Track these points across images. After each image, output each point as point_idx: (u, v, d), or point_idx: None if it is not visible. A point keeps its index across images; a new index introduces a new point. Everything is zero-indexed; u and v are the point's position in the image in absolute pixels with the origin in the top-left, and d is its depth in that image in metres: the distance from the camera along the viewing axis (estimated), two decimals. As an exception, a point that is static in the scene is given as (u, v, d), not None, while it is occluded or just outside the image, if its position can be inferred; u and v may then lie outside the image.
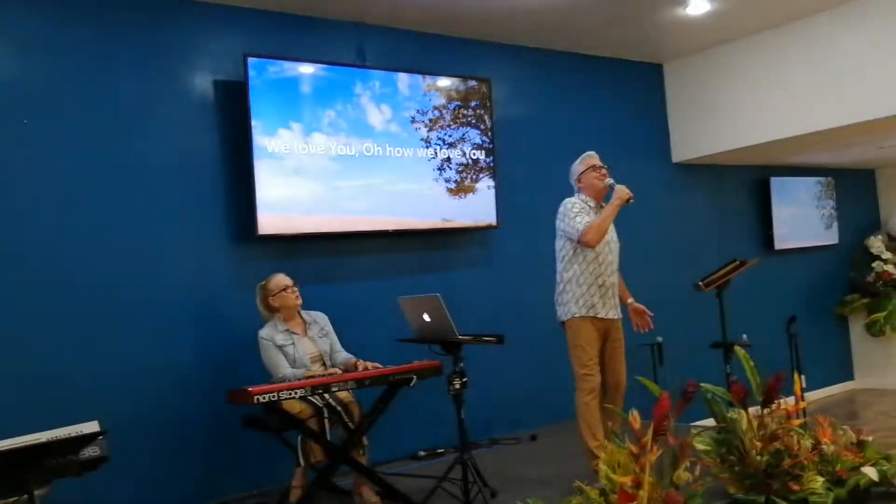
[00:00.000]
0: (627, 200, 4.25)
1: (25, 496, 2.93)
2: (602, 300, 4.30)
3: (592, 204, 4.38)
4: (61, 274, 4.23)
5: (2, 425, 3.18)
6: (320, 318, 4.50)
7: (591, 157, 4.45)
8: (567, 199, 4.40)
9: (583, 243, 4.24)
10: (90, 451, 3.20)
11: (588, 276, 4.29)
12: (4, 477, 2.95)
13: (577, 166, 4.48)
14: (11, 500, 3.09)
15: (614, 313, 4.38)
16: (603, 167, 4.42)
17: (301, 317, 4.42)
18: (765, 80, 6.42)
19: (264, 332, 4.28)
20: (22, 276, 4.12)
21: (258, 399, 3.69)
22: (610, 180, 4.36)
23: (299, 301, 4.38)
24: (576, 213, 4.28)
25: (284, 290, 4.33)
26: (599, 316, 4.29)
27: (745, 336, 4.98)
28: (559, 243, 4.40)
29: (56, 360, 4.15)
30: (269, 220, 4.75)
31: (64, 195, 4.28)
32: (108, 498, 4.10)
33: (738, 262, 4.95)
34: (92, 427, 3.21)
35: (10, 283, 4.08)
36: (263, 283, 4.41)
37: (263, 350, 4.24)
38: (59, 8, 4.37)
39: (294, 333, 4.32)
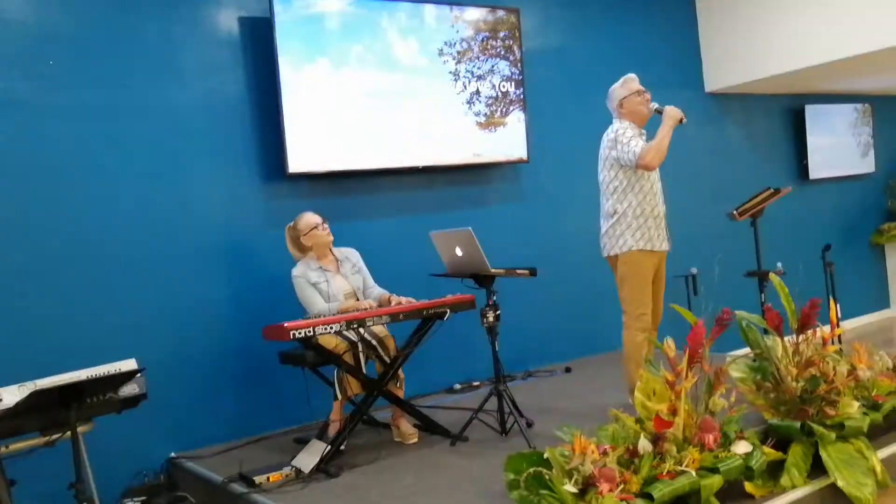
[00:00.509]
0: (680, 121, 4.09)
1: (69, 432, 3.02)
2: (657, 231, 4.19)
3: (638, 131, 4.20)
4: (93, 215, 4.26)
5: (42, 365, 3.26)
6: (352, 255, 4.51)
7: (634, 81, 4.26)
8: (615, 126, 4.20)
9: (642, 167, 4.05)
10: (129, 389, 3.29)
11: (645, 207, 4.15)
12: (49, 414, 3.04)
13: (619, 90, 4.26)
14: (56, 436, 3.19)
15: (667, 245, 4.27)
16: (645, 91, 4.24)
17: (333, 254, 4.44)
18: (799, 6, 6.22)
19: (297, 271, 4.30)
20: (54, 218, 4.16)
21: (294, 334, 3.72)
22: (655, 104, 4.19)
23: (331, 238, 4.38)
24: (629, 138, 4.08)
25: (315, 228, 4.33)
26: (656, 249, 4.18)
27: (779, 264, 4.94)
28: (609, 174, 4.20)
29: (91, 300, 4.22)
30: (299, 158, 4.74)
31: (92, 137, 4.29)
32: (147, 435, 4.22)
33: (771, 191, 4.88)
34: (130, 365, 3.28)
35: (41, 224, 4.12)
36: (292, 223, 4.40)
37: (298, 288, 4.27)
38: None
39: (327, 271, 4.34)
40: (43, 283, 4.10)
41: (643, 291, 4.17)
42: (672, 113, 4.10)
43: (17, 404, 2.90)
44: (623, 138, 4.09)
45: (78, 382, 2.99)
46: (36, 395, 2.86)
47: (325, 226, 4.36)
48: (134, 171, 4.39)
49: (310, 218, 4.36)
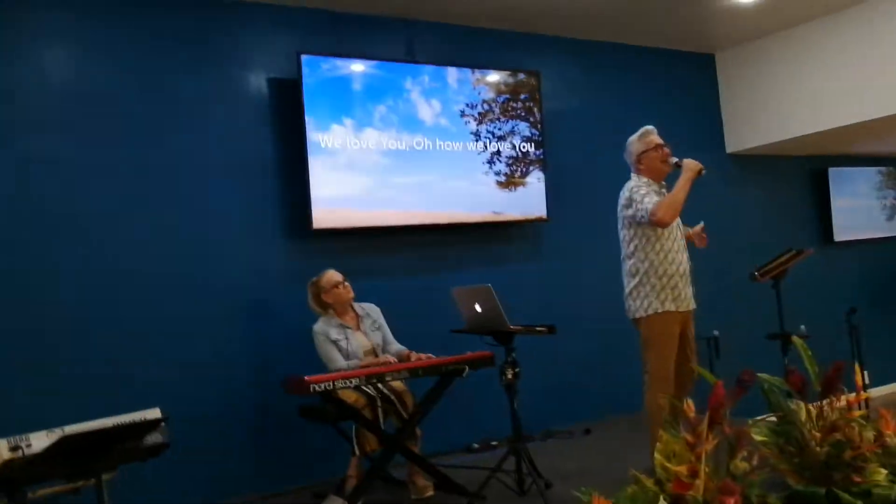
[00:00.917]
0: (699, 172, 3.95)
1: (94, 480, 3.03)
2: (684, 290, 4.04)
3: (655, 187, 4.06)
4: (122, 268, 4.36)
5: (66, 412, 3.28)
6: (373, 311, 4.53)
7: (651, 134, 4.11)
8: (629, 184, 4.07)
9: (655, 223, 3.89)
10: (153, 438, 3.29)
11: (668, 266, 3.99)
12: (74, 461, 3.06)
13: (636, 144, 4.11)
14: (80, 483, 3.20)
15: (691, 304, 4.10)
16: (665, 145, 4.09)
17: (354, 310, 4.47)
18: (821, 67, 6.28)
19: (318, 327, 4.33)
20: (84, 270, 4.27)
21: (314, 388, 3.75)
22: (674, 159, 4.05)
23: (351, 295, 4.42)
24: (643, 195, 3.95)
25: (336, 286, 4.38)
26: (681, 308, 4.02)
27: (803, 327, 4.89)
28: (628, 233, 4.06)
29: (116, 352, 4.28)
30: (324, 215, 4.82)
31: (125, 192, 4.42)
32: (168, 486, 4.23)
33: (793, 252, 4.86)
34: (154, 413, 3.29)
35: (73, 276, 4.23)
36: (315, 279, 4.44)
37: (318, 344, 4.31)
38: (120, 11, 4.50)
39: (347, 328, 4.37)
40: (71, 334, 4.19)
41: (667, 354, 4.01)
42: (690, 165, 3.96)
43: (46, 449, 2.92)
44: (637, 195, 3.98)
45: (105, 429, 3.00)
46: (64, 441, 2.88)
47: (346, 284, 4.40)
48: (162, 226, 4.50)
49: (332, 276, 4.39)
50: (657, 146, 4.09)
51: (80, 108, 4.34)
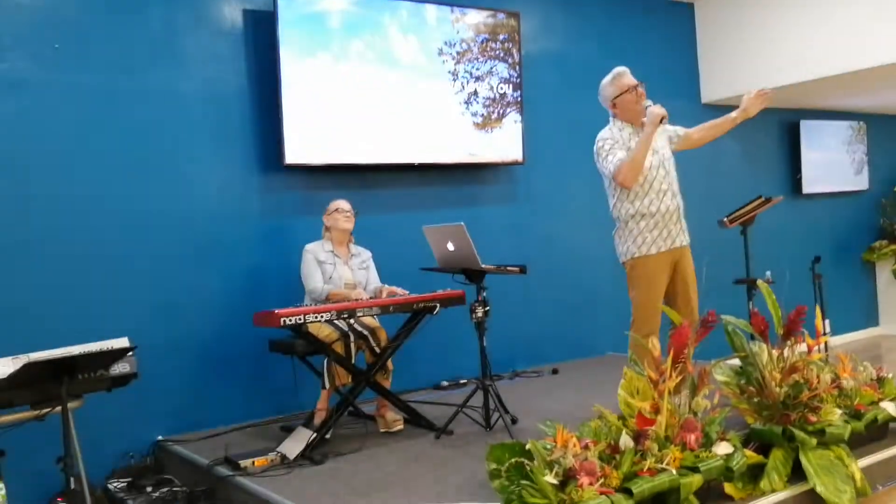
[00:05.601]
0: (662, 121, 3.84)
1: (59, 408, 3.03)
2: (664, 231, 3.96)
3: (630, 130, 3.99)
4: (91, 197, 4.30)
5: (35, 341, 3.28)
6: (364, 253, 4.61)
7: (624, 76, 3.99)
8: (601, 132, 4.00)
9: (619, 185, 3.90)
10: (120, 367, 3.31)
11: (644, 210, 3.93)
12: (41, 387, 3.06)
13: (609, 88, 4.02)
14: (46, 411, 3.21)
15: (680, 240, 4.04)
16: (639, 85, 3.97)
17: (349, 247, 4.54)
18: (797, 20, 6.29)
19: (310, 246, 4.41)
20: (53, 199, 4.19)
21: (284, 321, 3.76)
22: (647, 102, 3.91)
23: (348, 224, 4.47)
24: (607, 151, 3.90)
25: (337, 210, 4.45)
26: (665, 249, 3.97)
27: (768, 273, 4.97)
28: (605, 181, 4.04)
29: (85, 281, 4.25)
30: (296, 150, 4.77)
31: (94, 119, 4.33)
32: (135, 417, 4.27)
33: (763, 199, 4.92)
34: (122, 343, 3.30)
35: (41, 205, 4.16)
36: None
37: (303, 262, 4.38)
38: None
39: (337, 257, 4.44)
40: (39, 262, 4.14)
41: (650, 297, 3.97)
42: (652, 118, 3.83)
43: (11, 376, 2.92)
44: (602, 152, 3.93)
45: (71, 357, 3.01)
46: (29, 368, 2.88)
47: (349, 214, 4.47)
48: (131, 155, 4.42)
49: (338, 202, 4.50)
50: (630, 88, 3.97)
51: (46, 30, 4.21)
